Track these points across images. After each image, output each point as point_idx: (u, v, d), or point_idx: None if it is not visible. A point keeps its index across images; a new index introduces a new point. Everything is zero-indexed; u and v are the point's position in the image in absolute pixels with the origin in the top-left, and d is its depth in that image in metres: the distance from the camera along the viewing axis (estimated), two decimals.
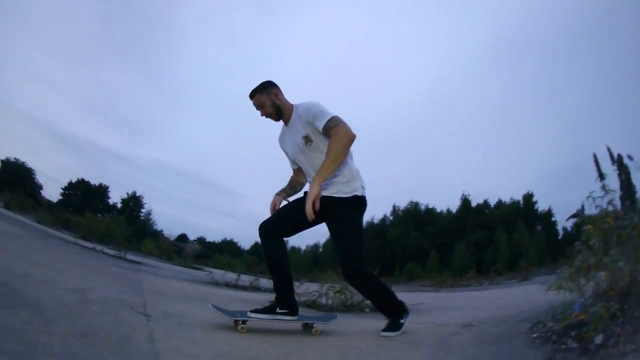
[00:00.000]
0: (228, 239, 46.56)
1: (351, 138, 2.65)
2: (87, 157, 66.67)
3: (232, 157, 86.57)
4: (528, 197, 37.83)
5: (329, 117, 2.65)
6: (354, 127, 2.69)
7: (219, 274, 8.24)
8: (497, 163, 64.42)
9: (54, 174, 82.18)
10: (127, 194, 43.43)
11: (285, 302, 2.86)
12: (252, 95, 2.92)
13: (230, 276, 7.89)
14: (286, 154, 3.15)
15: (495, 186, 60.29)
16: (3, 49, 66.52)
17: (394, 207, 42.35)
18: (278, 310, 2.82)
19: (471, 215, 37.66)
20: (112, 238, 18.10)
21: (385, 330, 2.89)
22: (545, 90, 67.88)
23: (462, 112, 69.89)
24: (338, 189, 2.78)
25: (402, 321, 2.92)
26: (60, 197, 40.92)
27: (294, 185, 3.20)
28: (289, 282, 2.91)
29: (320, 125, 2.66)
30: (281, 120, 3.00)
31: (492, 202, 39.56)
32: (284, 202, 3.12)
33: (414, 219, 40.36)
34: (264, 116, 2.95)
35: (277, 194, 3.12)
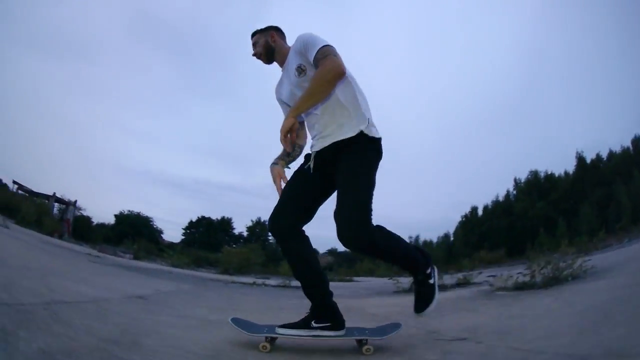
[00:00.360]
0: None
1: (337, 72, 2.27)
2: (203, 195, 72.17)
3: None
4: (637, 141, 35.66)
5: (320, 47, 2.32)
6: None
7: (404, 280, 7.85)
8: (601, 110, 60.41)
9: (173, 217, 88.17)
10: (252, 221, 45.24)
11: (323, 313, 2.44)
12: (253, 35, 2.76)
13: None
14: (281, 103, 2.80)
15: (605, 136, 58.31)
16: (98, 115, 74.93)
17: (515, 180, 40.93)
18: (314, 324, 2.40)
19: (588, 173, 36.11)
20: (251, 267, 19.55)
21: (418, 307, 2.42)
22: (624, 20, 61.68)
23: (552, 68, 67.50)
24: (339, 132, 2.37)
25: (431, 281, 2.44)
26: (182, 237, 43.80)
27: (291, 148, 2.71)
28: (323, 286, 2.47)
29: (312, 56, 2.34)
30: (275, 64, 2.76)
31: (604, 154, 37.61)
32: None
33: (536, 188, 38.93)
34: (254, 56, 2.75)
35: (275, 164, 2.72)
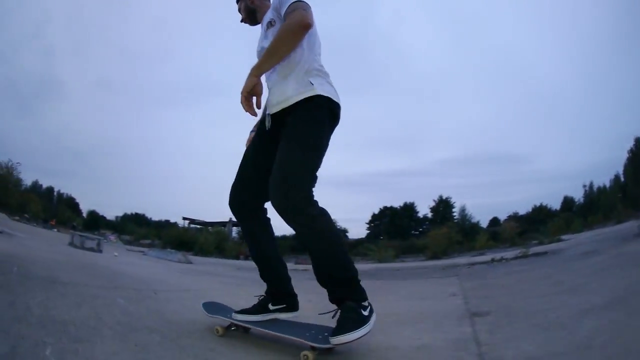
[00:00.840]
0: (537, 205, 42.14)
1: (301, 25, 2.14)
2: (378, 187, 72.29)
3: (511, 122, 78.58)
4: None
5: (291, 2, 2.21)
6: None
7: None
8: None
9: (354, 215, 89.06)
10: (433, 200, 44.63)
11: (279, 296, 2.40)
12: (237, 2, 2.74)
13: None
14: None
15: None
16: None
17: None
18: (271, 307, 2.37)
19: None
20: (453, 247, 19.77)
21: (337, 329, 1.89)
22: None
23: None
24: (287, 96, 2.23)
25: (364, 312, 2.01)
26: (367, 232, 45.32)
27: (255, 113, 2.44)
28: (280, 271, 2.44)
29: (283, 11, 2.24)
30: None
31: None
32: None
33: None
34: (242, 22, 2.73)
35: (252, 131, 2.68)
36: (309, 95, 2.15)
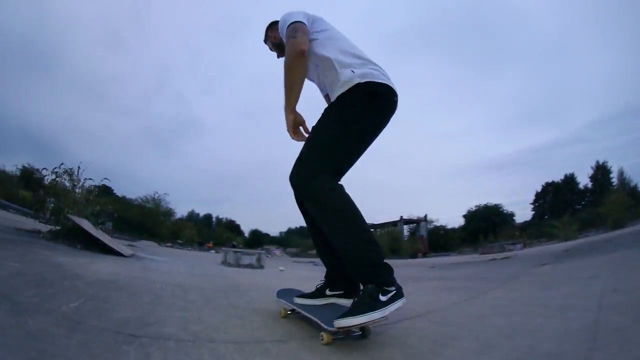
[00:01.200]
0: None
1: (296, 54, 2.19)
2: (535, 163, 72.89)
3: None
4: None
5: (285, 31, 2.34)
6: None
7: None
8: None
9: (517, 197, 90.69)
10: (591, 167, 42.54)
11: (337, 282, 2.36)
12: (265, 43, 2.85)
13: None
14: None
15: None
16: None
17: None
18: (328, 292, 2.35)
19: None
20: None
21: (346, 312, 1.82)
22: None
23: None
24: (335, 94, 2.27)
25: (383, 297, 1.87)
26: (532, 212, 44.85)
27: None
28: (338, 257, 2.27)
29: (285, 39, 2.38)
30: None
31: None
32: None
33: None
34: (279, 58, 2.77)
35: None
36: (350, 86, 2.15)
